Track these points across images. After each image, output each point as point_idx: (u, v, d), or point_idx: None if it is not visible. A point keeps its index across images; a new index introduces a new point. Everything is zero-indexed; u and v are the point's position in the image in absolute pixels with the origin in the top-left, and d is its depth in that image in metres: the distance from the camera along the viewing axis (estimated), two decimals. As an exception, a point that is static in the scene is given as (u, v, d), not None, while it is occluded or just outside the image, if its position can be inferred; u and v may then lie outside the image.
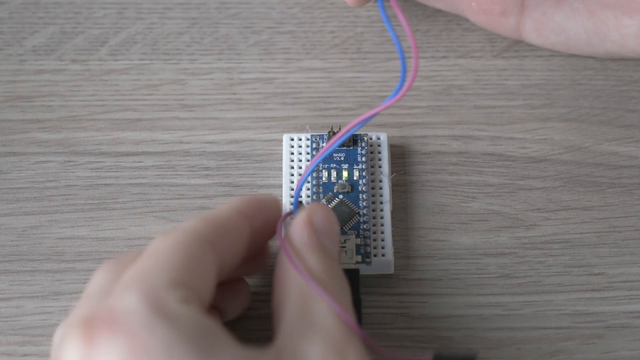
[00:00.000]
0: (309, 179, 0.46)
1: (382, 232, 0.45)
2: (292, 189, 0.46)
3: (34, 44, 0.51)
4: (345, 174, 0.46)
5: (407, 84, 0.37)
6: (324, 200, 0.45)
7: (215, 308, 0.40)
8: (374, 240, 0.45)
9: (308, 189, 0.45)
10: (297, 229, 0.39)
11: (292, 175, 0.46)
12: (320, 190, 0.45)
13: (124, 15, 0.53)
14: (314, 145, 0.47)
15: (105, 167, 0.48)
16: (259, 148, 0.48)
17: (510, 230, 0.46)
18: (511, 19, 0.47)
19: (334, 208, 0.45)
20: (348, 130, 0.39)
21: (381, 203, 0.45)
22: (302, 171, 0.46)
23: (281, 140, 0.48)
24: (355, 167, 0.46)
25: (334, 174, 0.46)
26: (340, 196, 0.45)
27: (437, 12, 0.52)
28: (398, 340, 0.43)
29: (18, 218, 0.46)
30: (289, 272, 0.37)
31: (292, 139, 0.47)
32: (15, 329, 0.44)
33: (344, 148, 0.46)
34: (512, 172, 0.48)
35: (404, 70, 0.37)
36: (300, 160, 0.47)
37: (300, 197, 0.45)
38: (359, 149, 0.46)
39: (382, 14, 0.37)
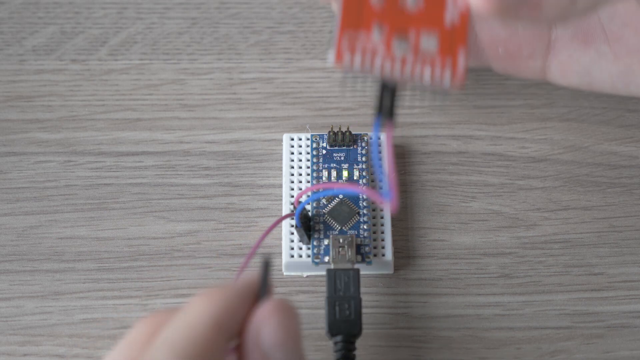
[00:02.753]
0: (309, 179, 0.46)
1: (382, 232, 0.45)
2: (292, 189, 0.46)
3: (34, 44, 0.51)
4: (345, 173, 0.46)
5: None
6: (324, 200, 0.45)
7: None
8: (374, 240, 0.45)
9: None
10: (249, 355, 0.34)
11: (292, 175, 0.46)
12: (321, 189, 0.45)
13: (124, 15, 0.53)
14: (314, 145, 0.47)
15: (105, 167, 0.48)
16: (259, 148, 0.48)
17: (510, 230, 0.46)
18: (537, 62, 0.46)
19: (333, 208, 0.45)
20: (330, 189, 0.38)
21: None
22: (302, 171, 0.46)
23: (281, 140, 0.48)
24: (355, 167, 0.46)
25: (334, 173, 0.46)
26: (340, 196, 0.45)
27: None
28: (398, 340, 0.43)
29: (18, 218, 0.46)
30: None
31: (292, 139, 0.47)
32: (15, 329, 0.44)
33: (344, 148, 0.46)
34: (512, 172, 0.47)
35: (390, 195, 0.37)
36: (301, 160, 0.47)
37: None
38: (359, 148, 0.46)
39: (374, 142, 0.37)
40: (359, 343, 0.42)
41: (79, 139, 0.49)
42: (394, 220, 0.46)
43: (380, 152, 0.34)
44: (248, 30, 0.52)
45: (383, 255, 0.44)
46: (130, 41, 0.52)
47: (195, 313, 0.33)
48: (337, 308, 0.42)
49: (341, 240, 0.44)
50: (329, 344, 0.42)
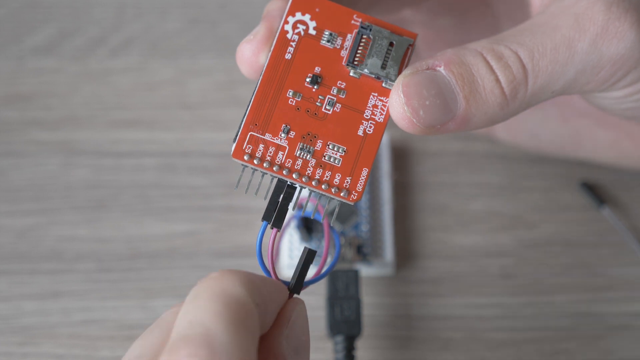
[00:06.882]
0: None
1: (383, 232, 0.45)
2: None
3: (34, 43, 0.51)
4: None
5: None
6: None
7: None
8: (374, 240, 0.45)
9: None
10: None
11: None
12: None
13: (124, 15, 0.52)
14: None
15: (105, 167, 0.48)
16: (259, 148, 0.48)
17: (511, 231, 0.46)
18: None
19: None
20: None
21: (382, 203, 0.45)
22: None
23: (281, 141, 0.48)
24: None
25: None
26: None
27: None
28: (398, 341, 0.43)
29: (18, 218, 0.46)
30: None
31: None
32: (15, 330, 0.44)
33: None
34: (512, 172, 0.47)
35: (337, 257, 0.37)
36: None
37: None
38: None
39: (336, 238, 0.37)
40: (360, 343, 0.42)
41: (78, 139, 0.48)
42: (394, 220, 0.46)
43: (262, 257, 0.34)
44: (248, 30, 0.52)
45: (383, 255, 0.44)
46: (130, 41, 0.52)
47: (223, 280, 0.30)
48: (337, 309, 0.42)
49: (342, 242, 0.44)
50: (330, 344, 0.42)
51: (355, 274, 0.42)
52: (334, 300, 0.42)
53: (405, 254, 0.45)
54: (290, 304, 0.32)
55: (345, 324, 0.41)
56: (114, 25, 0.52)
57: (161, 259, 0.45)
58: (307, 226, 0.44)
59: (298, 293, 0.33)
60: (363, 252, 0.44)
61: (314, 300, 0.44)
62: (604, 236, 0.46)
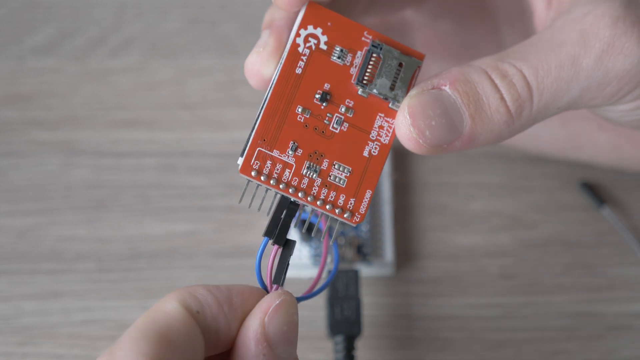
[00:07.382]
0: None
1: (383, 232, 0.45)
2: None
3: (34, 43, 0.51)
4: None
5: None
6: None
7: None
8: (375, 240, 0.44)
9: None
10: (252, 345, 0.32)
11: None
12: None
13: (124, 15, 0.52)
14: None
15: (105, 167, 0.48)
16: (259, 148, 0.48)
17: (511, 231, 0.46)
18: None
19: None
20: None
21: (382, 203, 0.45)
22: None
23: (281, 141, 0.48)
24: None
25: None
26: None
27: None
28: (398, 341, 0.43)
29: (18, 218, 0.46)
30: None
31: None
32: (15, 330, 0.43)
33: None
34: (512, 172, 0.47)
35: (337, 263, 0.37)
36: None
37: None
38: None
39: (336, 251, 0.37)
40: (360, 343, 0.42)
41: (78, 139, 0.48)
42: (394, 220, 0.46)
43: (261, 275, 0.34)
44: (248, 30, 0.52)
45: (383, 255, 0.44)
46: (130, 41, 0.52)
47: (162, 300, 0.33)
48: (337, 309, 0.42)
49: (342, 242, 0.44)
50: (330, 344, 0.42)
51: (355, 274, 0.42)
52: (334, 300, 0.42)
53: (405, 254, 0.45)
54: (269, 297, 0.32)
55: (345, 324, 0.41)
56: (114, 25, 0.52)
57: (161, 259, 0.45)
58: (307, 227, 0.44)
59: (278, 284, 0.33)
60: (363, 252, 0.44)
61: (314, 300, 0.44)
62: (604, 236, 0.46)
